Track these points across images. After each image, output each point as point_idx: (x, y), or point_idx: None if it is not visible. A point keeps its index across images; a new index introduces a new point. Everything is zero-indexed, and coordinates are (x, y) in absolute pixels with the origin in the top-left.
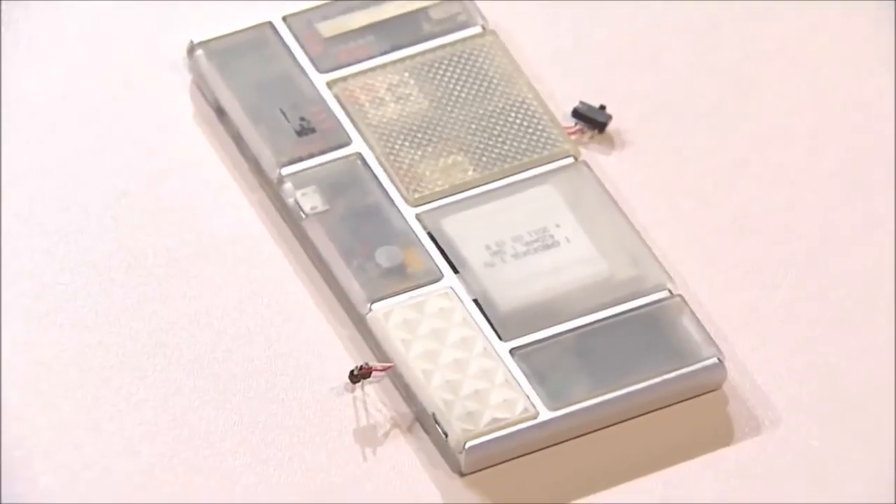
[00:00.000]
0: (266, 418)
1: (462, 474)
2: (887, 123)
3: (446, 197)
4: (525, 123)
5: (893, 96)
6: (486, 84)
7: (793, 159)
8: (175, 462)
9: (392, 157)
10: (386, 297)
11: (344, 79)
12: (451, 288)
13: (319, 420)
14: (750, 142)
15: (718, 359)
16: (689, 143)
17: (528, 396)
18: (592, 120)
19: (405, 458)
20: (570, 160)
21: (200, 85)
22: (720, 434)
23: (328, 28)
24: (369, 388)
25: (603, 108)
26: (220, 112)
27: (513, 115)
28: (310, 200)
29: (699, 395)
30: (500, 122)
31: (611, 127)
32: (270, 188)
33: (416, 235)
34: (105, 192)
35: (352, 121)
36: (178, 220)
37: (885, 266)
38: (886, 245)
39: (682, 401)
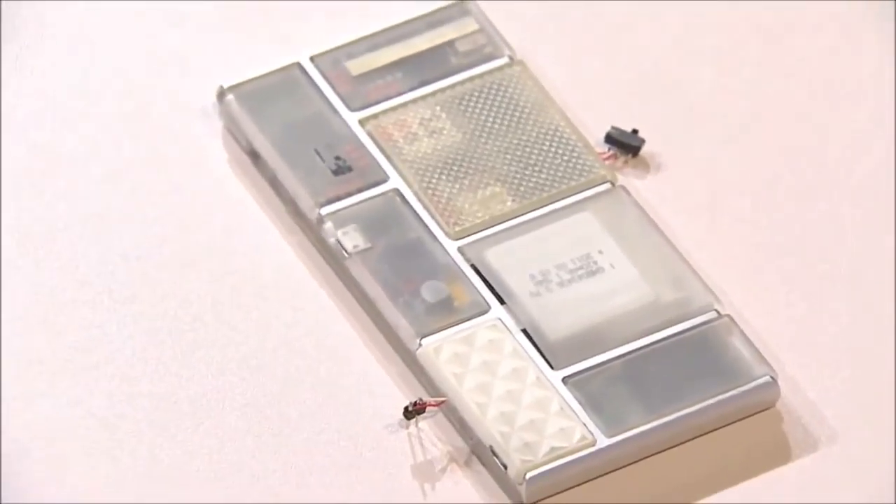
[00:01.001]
0: (322, 459)
1: None
2: None
3: (487, 228)
4: (560, 151)
5: None
6: (517, 114)
7: (828, 172)
8: None
9: (430, 192)
10: (435, 332)
11: (376, 116)
12: (499, 319)
13: (376, 458)
14: (783, 157)
15: (771, 377)
16: (723, 162)
17: (584, 424)
18: (626, 144)
19: (464, 491)
20: (608, 186)
21: (232, 129)
22: (777, 453)
23: (356, 66)
24: (423, 423)
25: (636, 132)
26: (254, 156)
27: (547, 143)
28: (351, 239)
29: (753, 415)
30: (535, 151)
31: (644, 150)
32: (310, 229)
33: (460, 268)
34: (146, 243)
35: (387, 157)
36: (221, 265)
37: None
38: None
39: (736, 421)
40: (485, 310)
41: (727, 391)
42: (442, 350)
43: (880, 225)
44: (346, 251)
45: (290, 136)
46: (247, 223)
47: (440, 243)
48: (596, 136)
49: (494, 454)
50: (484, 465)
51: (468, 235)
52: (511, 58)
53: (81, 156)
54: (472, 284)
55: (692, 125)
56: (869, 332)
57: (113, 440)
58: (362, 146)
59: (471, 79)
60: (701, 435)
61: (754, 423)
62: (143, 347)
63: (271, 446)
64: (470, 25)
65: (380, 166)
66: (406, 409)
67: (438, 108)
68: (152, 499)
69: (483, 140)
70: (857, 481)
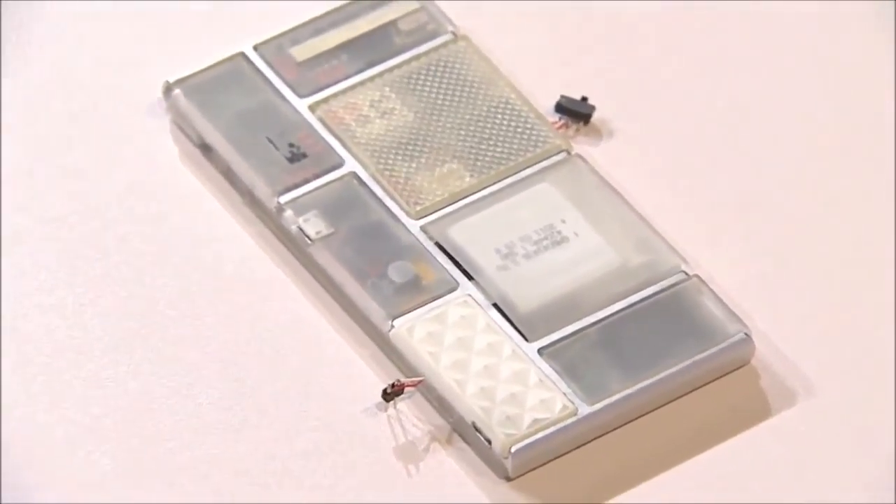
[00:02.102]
0: (304, 447)
1: (509, 479)
2: (880, 91)
3: (447, 206)
4: (513, 123)
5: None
6: (467, 89)
7: (782, 127)
8: (223, 500)
9: (387, 173)
10: (405, 313)
11: (325, 100)
12: (468, 295)
13: (358, 442)
14: (735, 114)
15: (746, 333)
16: (674, 123)
17: (564, 394)
18: (577, 112)
19: (449, 469)
20: (564, 155)
21: (181, 124)
22: (757, 409)
23: (301, 52)
24: (401, 404)
25: (585, 99)
26: (206, 149)
27: (499, 116)
28: (313, 226)
29: (730, 373)
30: (489, 125)
31: (595, 117)
32: (269, 218)
33: (425, 247)
34: (104, 244)
35: (341, 141)
36: (183, 261)
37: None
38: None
39: (713, 380)
40: (453, 287)
41: (703, 351)
42: (415, 330)
43: (842, 170)
44: (308, 238)
45: (242, 126)
46: (204, 217)
47: (402, 224)
48: (546, 106)
49: (477, 430)
50: (466, 442)
51: (429, 214)
52: (454, 34)
53: (29, 160)
54: (439, 262)
55: (642, 88)
56: (837, 282)
57: (89, 441)
58: (315, 132)
59: (416, 57)
60: (681, 396)
61: (731, 380)
62: (113, 347)
63: (251, 438)
64: (411, 4)
65: (334, 151)
66: (384, 391)
67: (387, 88)
68: (133, 498)
69: (435, 118)
70: (838, 431)
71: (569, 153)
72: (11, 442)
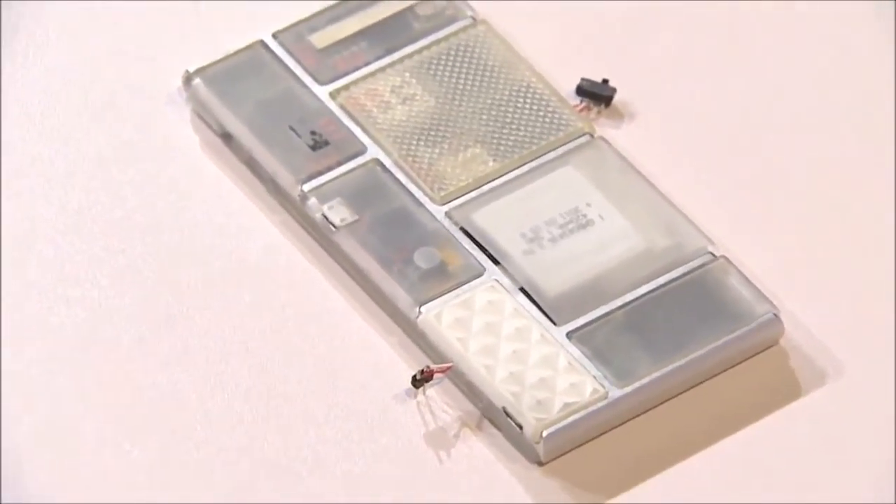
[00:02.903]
0: (335, 436)
1: (541, 463)
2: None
3: (472, 191)
4: (535, 107)
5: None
6: (487, 73)
7: (806, 107)
8: (255, 490)
9: (410, 159)
10: (433, 299)
11: (346, 87)
12: (495, 280)
13: (389, 429)
14: (757, 94)
15: (774, 314)
16: (696, 105)
17: (594, 377)
18: (598, 95)
19: (480, 455)
20: (587, 138)
21: (202, 113)
22: (786, 389)
23: (320, 39)
24: (431, 391)
25: (606, 81)
26: (227, 138)
27: (521, 100)
28: (338, 213)
29: (759, 353)
30: (511, 110)
31: (616, 99)
32: (293, 207)
33: (450, 233)
34: (129, 236)
35: (363, 128)
36: (208, 251)
37: None
38: None
39: (743, 361)
40: (480, 272)
41: (732, 332)
42: (443, 316)
43: (867, 149)
44: (333, 225)
45: (263, 114)
46: (228, 206)
47: (427, 209)
48: (566, 90)
49: (508, 415)
50: (497, 427)
51: (454, 199)
52: (473, 18)
53: (52, 153)
54: (464, 248)
55: (661, 70)
56: (865, 261)
57: (119, 434)
58: (337, 119)
59: (436, 42)
60: (710, 378)
61: (760, 361)
62: (139, 340)
63: (281, 427)
64: None
65: (357, 138)
66: (414, 377)
67: (408, 74)
68: (165, 489)
69: (457, 103)
70: (868, 411)
71: (592, 136)
72: (40, 434)
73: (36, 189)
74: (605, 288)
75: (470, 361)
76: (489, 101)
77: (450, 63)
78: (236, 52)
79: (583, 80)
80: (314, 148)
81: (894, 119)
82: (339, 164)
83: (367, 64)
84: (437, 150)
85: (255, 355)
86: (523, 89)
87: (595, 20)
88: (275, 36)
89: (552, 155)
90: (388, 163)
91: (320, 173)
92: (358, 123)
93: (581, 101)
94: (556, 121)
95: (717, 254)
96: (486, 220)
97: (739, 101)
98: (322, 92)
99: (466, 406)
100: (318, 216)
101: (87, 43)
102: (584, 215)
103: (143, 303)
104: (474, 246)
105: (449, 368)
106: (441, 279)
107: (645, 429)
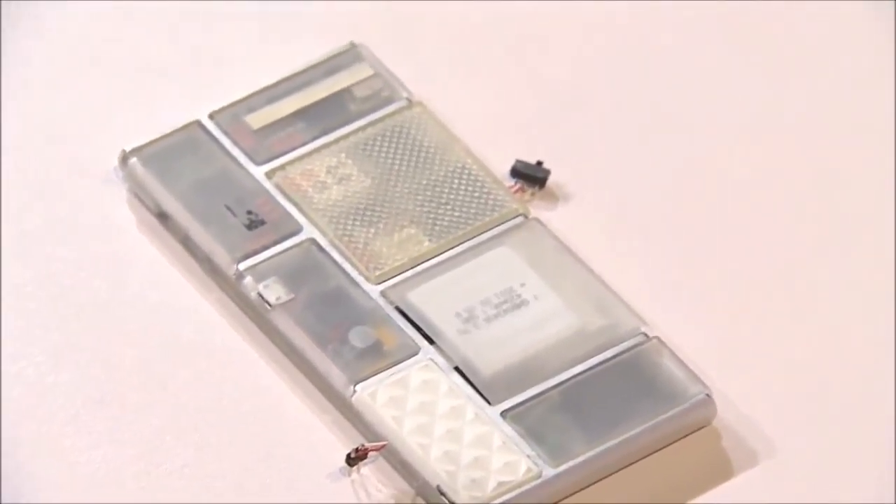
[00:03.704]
0: None
1: None
2: (848, 150)
3: (407, 270)
4: (470, 188)
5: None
6: (423, 154)
7: (734, 188)
8: None
9: (346, 239)
10: (368, 377)
11: (282, 167)
12: (430, 359)
13: None
14: (687, 175)
15: (707, 394)
16: (629, 185)
17: (528, 456)
18: (532, 177)
19: None
20: (521, 219)
21: (138, 192)
22: (719, 469)
23: (256, 119)
24: (365, 469)
25: (540, 163)
26: (164, 217)
27: (456, 181)
28: (273, 292)
29: (692, 433)
30: (446, 190)
31: (550, 181)
32: (229, 285)
33: (385, 312)
34: (64, 313)
35: (298, 208)
36: (143, 329)
37: (853, 278)
38: (855, 255)
39: (676, 440)
40: (415, 351)
41: (665, 412)
42: (377, 394)
43: (796, 227)
44: (268, 304)
45: (199, 194)
46: (164, 284)
47: (362, 289)
48: (501, 171)
49: (442, 493)
50: None
51: (389, 279)
52: (409, 99)
53: None
54: (400, 327)
55: (594, 152)
56: (795, 340)
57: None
58: (273, 199)
59: (372, 123)
60: (643, 457)
61: (694, 441)
62: (73, 416)
63: None
64: (364, 71)
65: (293, 217)
66: (349, 455)
67: (343, 154)
68: None
69: (392, 183)
70: (800, 490)
71: (526, 217)
72: None
73: None
74: (540, 367)
75: (405, 440)
76: (425, 182)
77: (385, 144)
78: (173, 132)
79: (517, 161)
80: (250, 227)
81: (829, 201)
82: (275, 243)
83: (303, 144)
84: (372, 230)
85: (189, 433)
86: (458, 170)
87: (530, 103)
88: (211, 116)
89: (487, 235)
90: (323, 242)
91: (256, 252)
92: (294, 203)
93: (515, 183)
94: (490, 202)
95: (650, 334)
96: (422, 299)
97: (670, 183)
98: (258, 172)
99: (401, 485)
100: (253, 295)
101: (24, 120)
102: (519, 295)
103: (78, 380)
104: (409, 325)
105: (383, 447)
106: (376, 358)
107: None
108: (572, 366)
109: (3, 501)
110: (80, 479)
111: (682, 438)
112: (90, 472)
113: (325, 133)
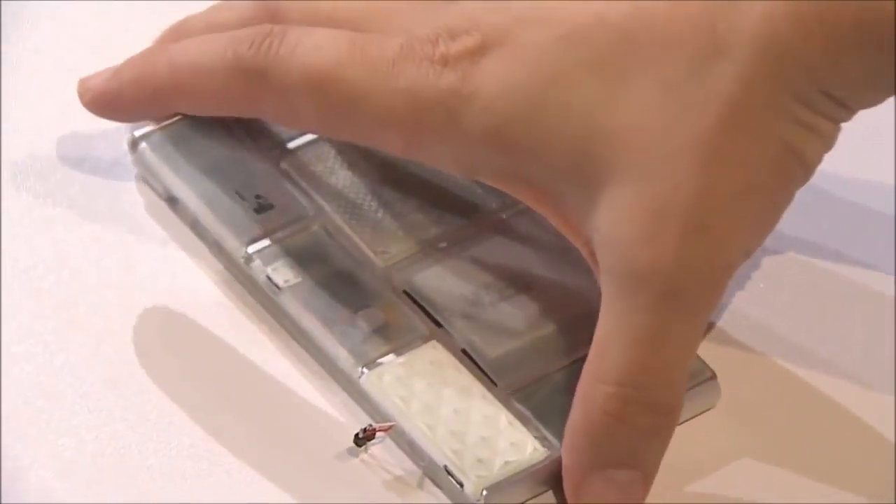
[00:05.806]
0: (278, 496)
1: None
2: None
3: (414, 254)
4: None
5: None
6: None
7: None
8: None
9: (354, 223)
10: (376, 359)
11: (292, 152)
12: (437, 342)
13: (332, 487)
14: None
15: (710, 377)
16: None
17: (535, 436)
18: None
19: None
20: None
21: (147, 178)
22: (722, 452)
23: None
24: (373, 449)
25: None
26: (172, 201)
27: None
28: (281, 274)
29: (695, 416)
30: (454, 176)
31: None
32: (237, 269)
33: (393, 295)
34: (73, 299)
35: (307, 192)
36: (153, 312)
37: (853, 277)
38: (855, 255)
39: (679, 423)
40: (422, 333)
41: None
42: (385, 376)
43: (796, 227)
44: (277, 287)
45: (208, 178)
46: (173, 268)
47: (370, 272)
48: None
49: (449, 473)
50: (438, 485)
51: (397, 262)
52: None
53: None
54: (407, 310)
55: None
56: (797, 331)
57: (61, 490)
58: (281, 183)
59: None
60: None
61: (697, 424)
62: (83, 395)
63: (222, 485)
64: None
65: (301, 201)
66: (356, 436)
67: None
68: None
69: (401, 167)
70: (802, 473)
71: None
72: None
73: None
74: (545, 349)
75: (412, 420)
76: (433, 168)
77: None
78: (181, 118)
79: None
80: (259, 211)
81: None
82: (284, 227)
83: None
84: (380, 214)
85: (198, 414)
86: None
87: None
88: None
89: (494, 220)
90: (332, 226)
91: (265, 236)
92: (302, 187)
93: None
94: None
95: None
96: (428, 282)
97: None
98: (267, 156)
99: (408, 465)
100: (262, 278)
101: (34, 106)
102: (525, 279)
103: (87, 362)
104: (417, 308)
105: (391, 427)
106: (384, 340)
107: None
108: (578, 347)
109: (7, 480)
110: (86, 456)
111: (685, 421)
112: (99, 451)
113: None
